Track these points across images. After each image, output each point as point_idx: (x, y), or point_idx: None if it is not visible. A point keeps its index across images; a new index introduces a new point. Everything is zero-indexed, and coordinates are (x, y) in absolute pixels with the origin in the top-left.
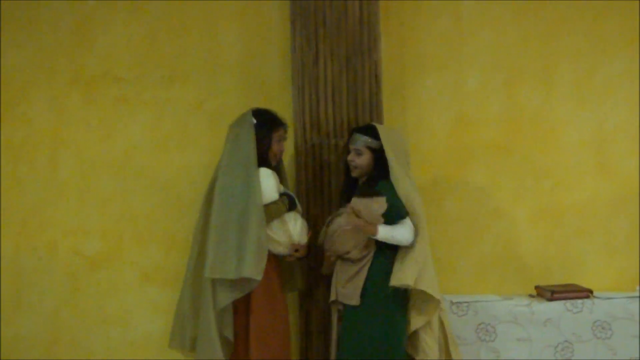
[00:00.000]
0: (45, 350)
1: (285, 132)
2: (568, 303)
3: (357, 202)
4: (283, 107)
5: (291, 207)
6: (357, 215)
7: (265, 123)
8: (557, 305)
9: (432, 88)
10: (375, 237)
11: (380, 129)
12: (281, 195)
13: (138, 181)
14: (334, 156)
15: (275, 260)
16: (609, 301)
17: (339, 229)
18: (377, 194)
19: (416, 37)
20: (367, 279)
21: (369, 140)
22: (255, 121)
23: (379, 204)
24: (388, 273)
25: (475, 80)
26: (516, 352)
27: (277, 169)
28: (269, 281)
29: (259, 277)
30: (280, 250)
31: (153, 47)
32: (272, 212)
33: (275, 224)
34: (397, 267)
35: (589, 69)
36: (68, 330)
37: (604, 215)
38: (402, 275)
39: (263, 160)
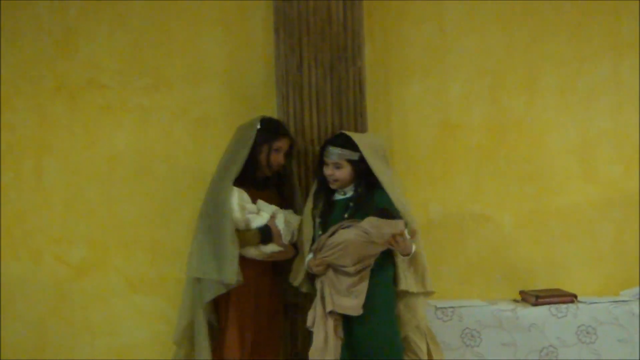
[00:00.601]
0: (31, 358)
1: (290, 145)
2: (553, 308)
3: (376, 222)
4: (267, 114)
5: (264, 241)
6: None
7: (269, 130)
8: (541, 310)
9: (416, 94)
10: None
11: (355, 137)
12: (260, 228)
13: (123, 188)
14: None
15: (254, 264)
16: (594, 306)
17: (346, 242)
18: (392, 215)
19: (400, 43)
20: (368, 290)
21: (347, 153)
22: (259, 126)
23: (397, 226)
24: (387, 282)
25: (460, 86)
26: (501, 356)
27: (273, 183)
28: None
29: (233, 282)
30: (256, 254)
31: (137, 55)
32: (244, 239)
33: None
34: (411, 274)
35: (573, 75)
36: (54, 338)
37: (589, 220)
38: (426, 283)
39: (255, 168)
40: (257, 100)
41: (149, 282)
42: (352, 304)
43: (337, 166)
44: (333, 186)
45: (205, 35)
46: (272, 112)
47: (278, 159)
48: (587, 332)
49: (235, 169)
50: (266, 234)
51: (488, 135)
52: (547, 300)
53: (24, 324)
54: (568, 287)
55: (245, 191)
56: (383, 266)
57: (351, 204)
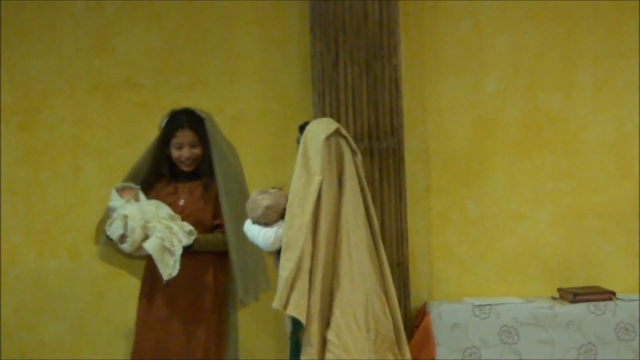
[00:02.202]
0: (69, 356)
1: (190, 136)
2: (591, 305)
3: None
4: (303, 112)
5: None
6: None
7: (168, 126)
8: (579, 308)
9: (452, 91)
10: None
11: (310, 125)
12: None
13: None
14: None
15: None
16: (632, 303)
17: None
18: None
19: (436, 40)
20: None
21: (299, 137)
22: (163, 125)
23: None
24: None
25: (495, 83)
26: (539, 354)
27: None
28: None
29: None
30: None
31: (173, 54)
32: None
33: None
34: None
35: (609, 71)
36: (92, 335)
37: (626, 216)
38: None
39: (172, 164)
40: (293, 99)
41: None
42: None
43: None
44: None
45: (241, 34)
46: (308, 110)
47: (181, 154)
48: (626, 330)
49: (133, 167)
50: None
51: (524, 132)
52: (585, 297)
53: (62, 320)
54: (606, 284)
55: (164, 185)
56: None
57: None
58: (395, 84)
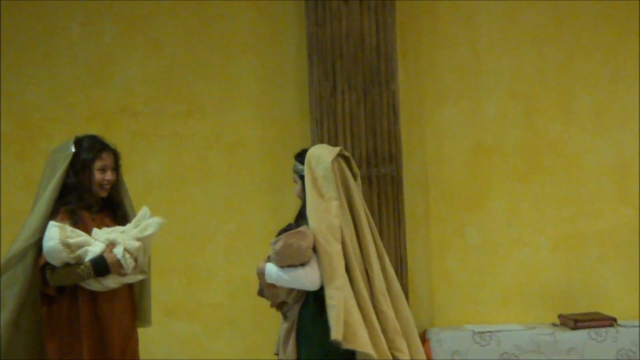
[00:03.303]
0: None
1: (112, 158)
2: (592, 332)
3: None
4: (301, 139)
5: (100, 273)
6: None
7: (86, 151)
8: (580, 334)
9: (450, 117)
10: (268, 279)
11: (310, 152)
12: (92, 260)
13: (157, 214)
14: None
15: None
16: (633, 329)
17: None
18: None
19: (434, 66)
20: (298, 336)
21: (299, 167)
22: (73, 149)
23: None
24: (324, 326)
25: (494, 109)
26: None
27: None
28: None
29: None
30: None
31: (170, 82)
32: (76, 275)
33: None
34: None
35: (608, 97)
36: None
37: (626, 242)
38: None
39: (83, 193)
40: (291, 126)
41: (184, 308)
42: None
43: (295, 181)
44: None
45: (238, 61)
46: (306, 137)
47: (104, 178)
48: (628, 356)
49: (47, 202)
50: (99, 265)
51: (523, 158)
52: (586, 324)
53: None
54: (607, 311)
55: (74, 220)
56: (312, 311)
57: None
58: (393, 110)
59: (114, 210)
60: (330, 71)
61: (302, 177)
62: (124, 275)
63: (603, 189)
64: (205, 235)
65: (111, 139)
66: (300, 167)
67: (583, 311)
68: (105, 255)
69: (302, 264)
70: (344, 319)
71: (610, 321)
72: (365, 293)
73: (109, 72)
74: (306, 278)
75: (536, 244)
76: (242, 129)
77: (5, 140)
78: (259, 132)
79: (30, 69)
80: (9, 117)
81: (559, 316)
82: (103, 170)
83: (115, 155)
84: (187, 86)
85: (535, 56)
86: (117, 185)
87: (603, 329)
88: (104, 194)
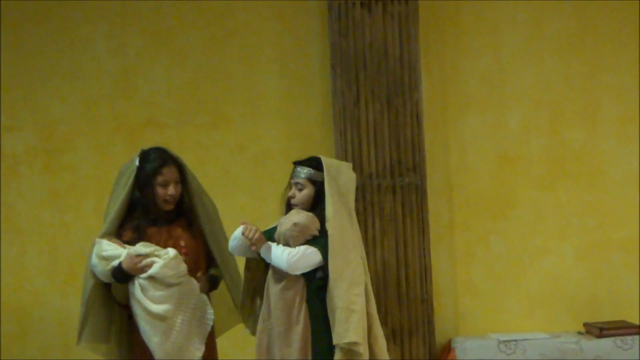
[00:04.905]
0: None
1: (175, 172)
2: (617, 340)
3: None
4: (325, 149)
5: (120, 280)
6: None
7: (148, 165)
8: (606, 343)
9: (474, 127)
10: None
11: (325, 160)
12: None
13: None
14: (377, 197)
15: None
16: None
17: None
18: None
19: (457, 76)
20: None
21: (312, 172)
22: (137, 164)
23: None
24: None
25: (518, 118)
26: None
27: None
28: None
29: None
30: None
31: (195, 94)
32: (115, 290)
33: None
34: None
35: (633, 105)
36: None
37: None
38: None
39: (149, 206)
40: (315, 136)
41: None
42: None
43: (301, 187)
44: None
45: (262, 73)
46: (330, 147)
47: (166, 193)
48: None
49: (110, 218)
50: (115, 270)
51: (548, 167)
52: (612, 332)
53: None
54: (633, 319)
55: (138, 235)
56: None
57: None
58: (417, 120)
59: (189, 219)
60: (354, 81)
61: (313, 183)
62: (145, 271)
63: (628, 197)
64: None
65: (136, 151)
66: (312, 172)
67: (608, 319)
68: (122, 260)
69: (288, 245)
70: (362, 324)
71: (636, 329)
72: (373, 298)
73: (133, 84)
74: (285, 255)
75: (561, 252)
76: (267, 140)
77: (31, 153)
78: (283, 143)
79: (56, 82)
80: (35, 130)
81: (585, 324)
82: (165, 185)
83: (180, 168)
84: (212, 98)
85: (560, 65)
86: (190, 196)
87: (629, 337)
88: (169, 208)
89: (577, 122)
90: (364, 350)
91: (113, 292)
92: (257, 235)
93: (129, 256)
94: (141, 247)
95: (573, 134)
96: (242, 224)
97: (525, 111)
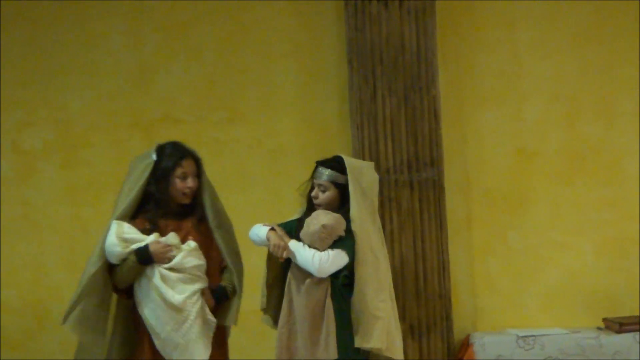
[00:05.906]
0: None
1: (194, 165)
2: (637, 335)
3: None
4: (342, 144)
5: (143, 261)
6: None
7: (166, 159)
8: (626, 338)
9: (491, 121)
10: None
11: (348, 161)
12: (136, 249)
13: None
14: (394, 192)
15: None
16: None
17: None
18: None
19: (474, 70)
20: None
21: (335, 174)
22: (155, 157)
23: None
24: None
25: (535, 112)
26: None
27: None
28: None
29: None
30: None
31: (211, 89)
32: (122, 273)
33: None
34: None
35: None
36: None
37: None
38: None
39: (167, 199)
40: (331, 132)
41: None
42: None
43: (324, 189)
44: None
45: (278, 68)
46: (347, 142)
47: (185, 185)
48: None
49: (123, 206)
50: (142, 252)
51: (565, 161)
52: (632, 327)
53: None
54: None
55: (150, 227)
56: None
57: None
58: (434, 114)
59: (200, 215)
60: (371, 76)
61: (336, 185)
62: (167, 262)
63: None
64: (247, 240)
65: (153, 146)
66: (335, 174)
67: (628, 314)
68: (150, 243)
69: (315, 248)
70: (386, 330)
71: None
72: (394, 297)
73: (150, 80)
74: (317, 260)
75: (579, 247)
76: (283, 135)
77: (49, 148)
78: (299, 138)
79: (73, 78)
80: (53, 126)
81: (604, 320)
82: (184, 177)
83: (197, 162)
84: (228, 93)
85: (577, 59)
86: (201, 191)
87: None
88: (186, 201)
89: (594, 116)
90: (396, 354)
91: (117, 276)
92: (285, 254)
93: (159, 243)
94: (171, 238)
95: (591, 128)
96: (268, 239)
97: (543, 105)
